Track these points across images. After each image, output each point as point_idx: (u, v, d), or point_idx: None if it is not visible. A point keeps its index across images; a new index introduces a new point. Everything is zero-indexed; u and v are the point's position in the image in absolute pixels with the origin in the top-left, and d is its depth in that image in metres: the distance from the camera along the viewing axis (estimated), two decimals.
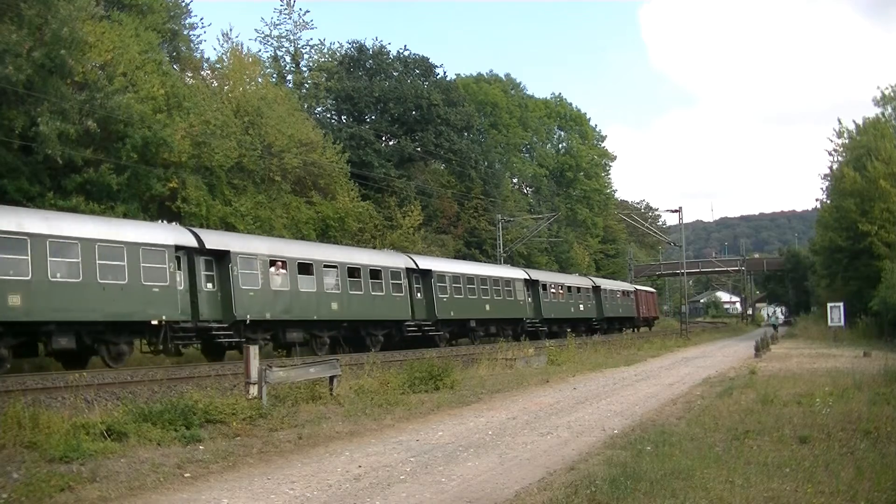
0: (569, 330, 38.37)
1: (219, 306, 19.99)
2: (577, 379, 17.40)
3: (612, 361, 22.68)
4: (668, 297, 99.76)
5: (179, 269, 19.08)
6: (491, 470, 7.60)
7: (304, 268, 22.56)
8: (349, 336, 24.90)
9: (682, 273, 60.54)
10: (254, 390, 11.09)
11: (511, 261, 51.22)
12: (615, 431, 9.73)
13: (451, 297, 29.66)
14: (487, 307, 32.32)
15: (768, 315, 75.86)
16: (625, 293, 51.94)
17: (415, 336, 27.46)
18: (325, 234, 35.20)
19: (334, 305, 23.29)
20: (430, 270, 28.76)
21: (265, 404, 10.78)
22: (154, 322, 18.04)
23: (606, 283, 49.57)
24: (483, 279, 32.51)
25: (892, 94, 42.18)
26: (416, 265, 28.33)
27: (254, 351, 11.43)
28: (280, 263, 21.66)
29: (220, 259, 20.15)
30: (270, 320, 21.19)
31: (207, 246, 19.84)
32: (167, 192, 26.84)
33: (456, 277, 30.39)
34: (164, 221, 21.66)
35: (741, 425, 9.44)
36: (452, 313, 29.68)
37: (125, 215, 24.09)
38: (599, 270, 70.07)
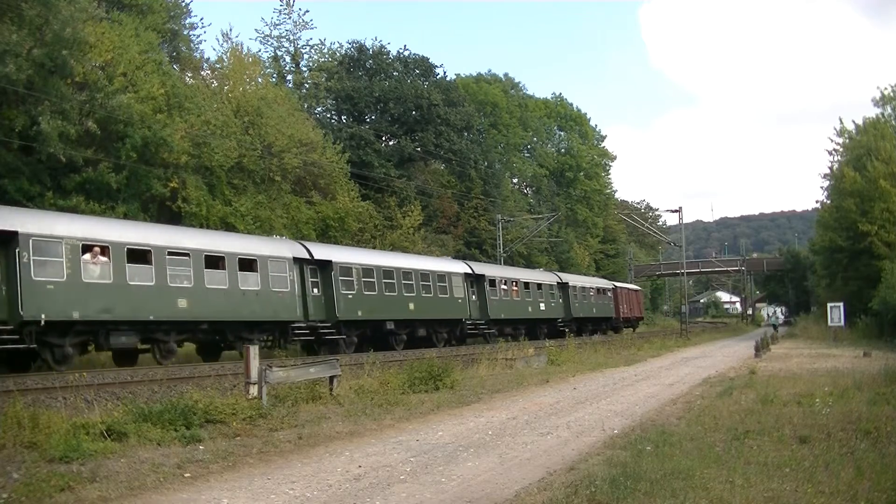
0: (524, 332, 34.42)
1: (3, 304, 15.87)
2: (577, 379, 17.39)
3: (612, 361, 22.68)
4: (668, 297, 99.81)
5: None
6: (491, 470, 7.60)
7: (138, 255, 18.21)
8: (213, 340, 20.96)
9: (682, 273, 60.58)
10: (254, 390, 11.10)
11: (511, 261, 51.15)
12: (615, 431, 9.73)
13: (360, 293, 25.01)
14: (411, 306, 27.48)
15: (768, 315, 75.86)
16: (601, 291, 47.31)
17: (309, 340, 23.49)
18: (325, 234, 35.23)
19: (182, 303, 18.90)
20: (329, 262, 24.12)
21: (265, 404, 10.79)
22: None
23: (576, 280, 45.10)
24: (406, 273, 27.66)
25: (891, 94, 42.22)
26: (311, 255, 23.83)
27: (254, 351, 11.44)
28: (98, 249, 17.33)
29: (7, 244, 15.97)
30: (82, 321, 16.91)
31: None
32: (167, 192, 26.88)
33: (367, 270, 25.62)
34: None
35: (741, 425, 9.43)
36: (360, 313, 24.99)
37: (125, 216, 24.12)
38: (599, 270, 70.13)
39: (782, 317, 75.56)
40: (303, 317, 22.91)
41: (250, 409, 10.24)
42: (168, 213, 27.52)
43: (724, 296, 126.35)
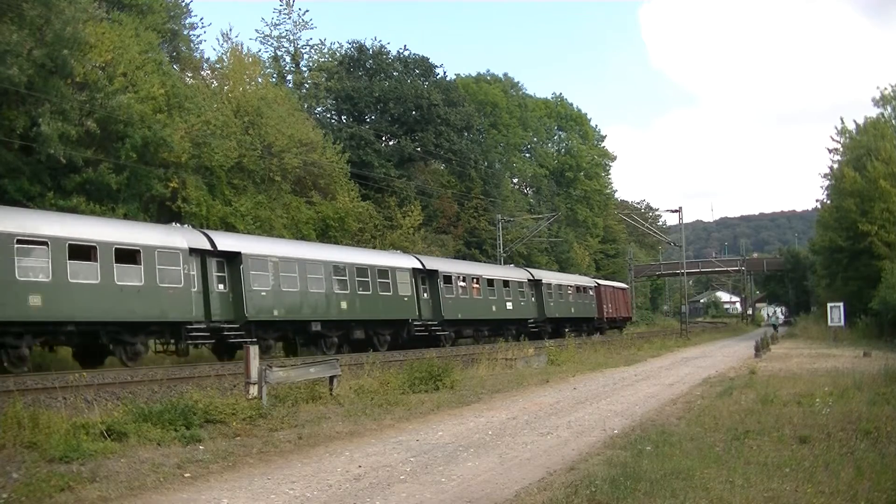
0: (486, 334, 32.40)
1: None
2: (577, 379, 17.40)
3: (612, 361, 22.70)
4: (668, 296, 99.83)
5: None
6: (491, 470, 7.60)
7: None
8: (91, 344, 18.27)
9: (682, 273, 60.56)
10: (254, 390, 11.10)
11: (511, 261, 51.14)
12: (615, 431, 9.73)
13: (277, 290, 22.21)
14: (344, 304, 24.66)
15: (768, 315, 75.81)
16: (581, 289, 44.06)
17: (210, 344, 21.03)
18: (325, 234, 35.23)
19: (35, 300, 16.04)
20: (238, 253, 21.29)
21: (265, 404, 10.79)
22: None
23: (551, 276, 41.74)
24: (339, 268, 24.83)
25: (891, 94, 42.24)
26: (214, 245, 20.90)
27: (254, 351, 11.45)
28: None
29: None
30: None
31: None
32: (168, 192, 26.88)
33: (286, 263, 22.81)
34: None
35: (741, 425, 9.44)
36: (277, 312, 22.16)
37: (125, 216, 24.12)
38: (600, 270, 70.13)
39: (782, 317, 75.55)
40: (203, 316, 20.11)
41: (250, 409, 10.25)
42: (168, 213, 27.52)
43: (724, 296, 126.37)
